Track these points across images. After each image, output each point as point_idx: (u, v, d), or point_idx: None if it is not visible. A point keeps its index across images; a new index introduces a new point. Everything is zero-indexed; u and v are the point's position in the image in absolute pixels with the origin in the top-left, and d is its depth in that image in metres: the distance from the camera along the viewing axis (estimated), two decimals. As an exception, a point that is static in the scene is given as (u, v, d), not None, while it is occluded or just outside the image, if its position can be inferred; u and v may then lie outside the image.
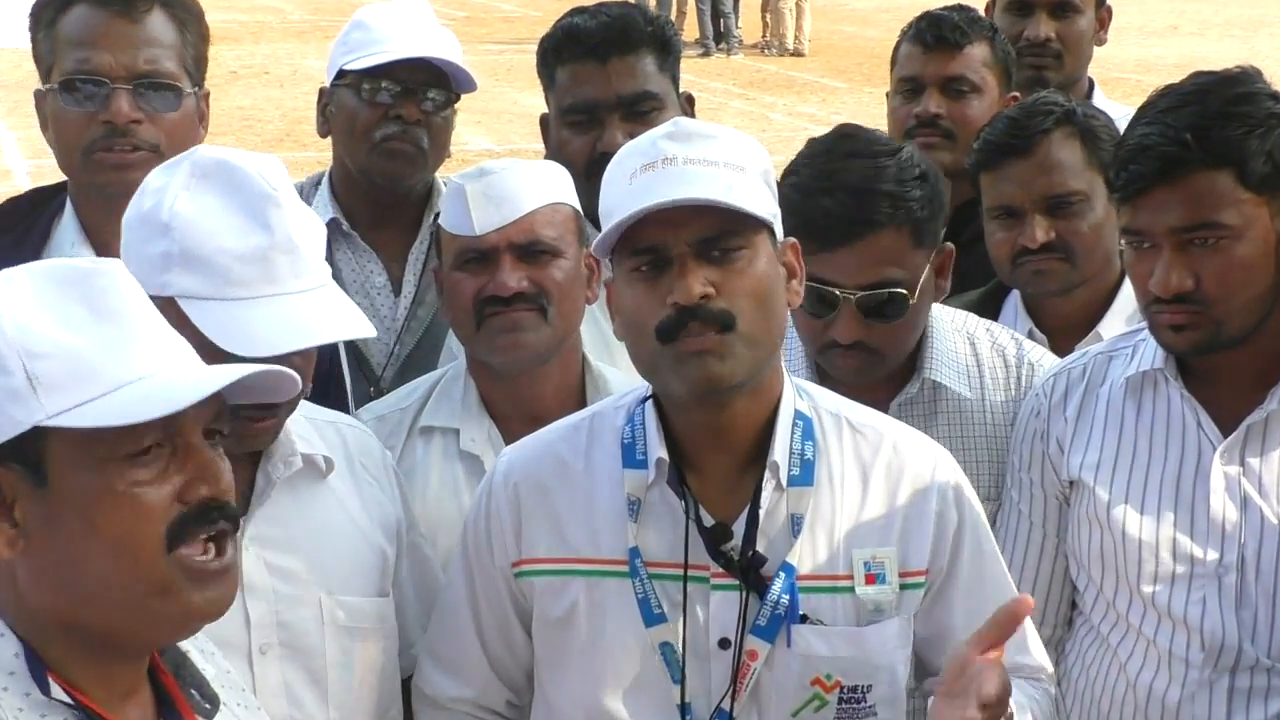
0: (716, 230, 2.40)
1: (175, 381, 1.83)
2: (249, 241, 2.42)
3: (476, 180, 2.98)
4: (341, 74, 3.55)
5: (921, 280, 2.99)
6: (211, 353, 2.33)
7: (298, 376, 1.98)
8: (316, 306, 2.46)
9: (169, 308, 2.37)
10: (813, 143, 3.08)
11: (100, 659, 1.87)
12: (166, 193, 2.46)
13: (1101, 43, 4.60)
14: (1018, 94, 3.99)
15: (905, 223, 2.94)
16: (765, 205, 2.46)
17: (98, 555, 1.81)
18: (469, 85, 3.56)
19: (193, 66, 3.20)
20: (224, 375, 1.85)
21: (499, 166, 3.03)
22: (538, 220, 2.98)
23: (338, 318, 2.48)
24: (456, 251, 3.00)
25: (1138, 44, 22.57)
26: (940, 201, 3.03)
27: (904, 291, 2.95)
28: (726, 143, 2.46)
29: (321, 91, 3.67)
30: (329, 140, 3.71)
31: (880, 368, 3.04)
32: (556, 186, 3.04)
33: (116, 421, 1.78)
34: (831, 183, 2.94)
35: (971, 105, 3.98)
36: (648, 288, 2.42)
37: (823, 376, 3.10)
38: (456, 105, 3.60)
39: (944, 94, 3.99)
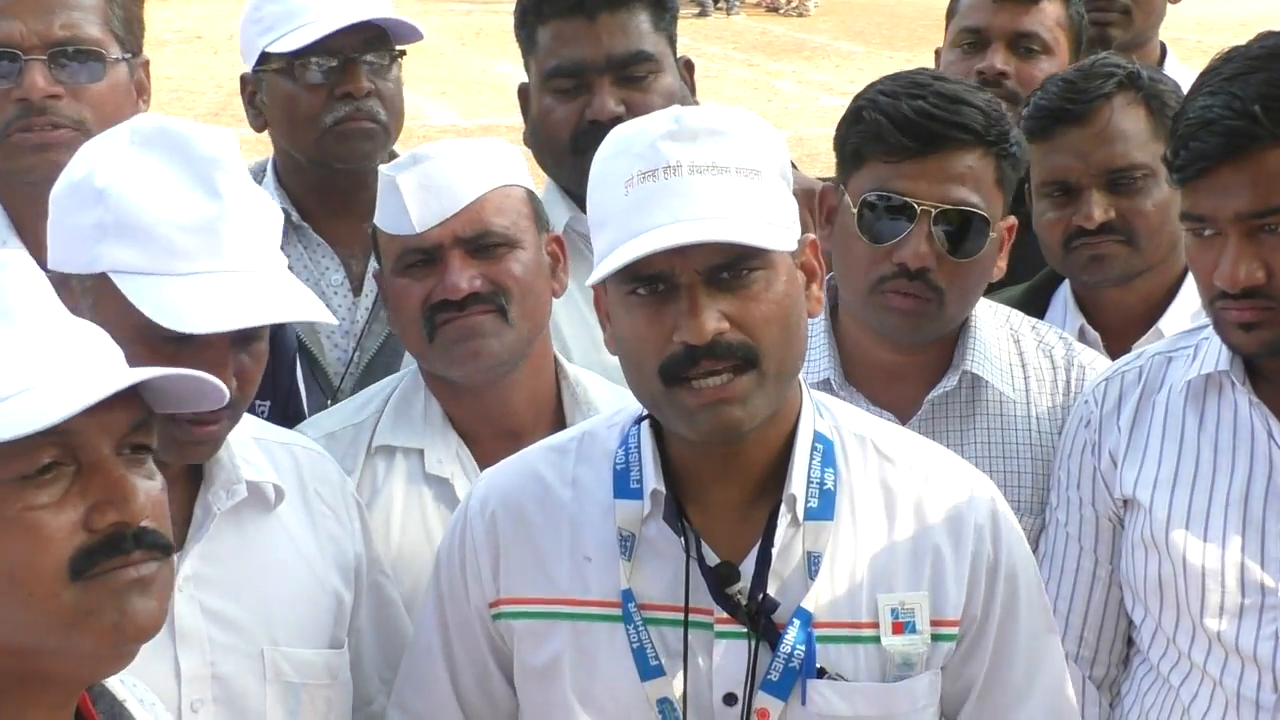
0: (730, 258, 2.35)
1: (63, 390, 1.80)
2: (195, 209, 2.40)
3: (409, 169, 2.94)
4: (265, 57, 3.51)
5: (996, 228, 3.02)
6: (148, 337, 2.32)
7: (221, 385, 1.95)
8: (268, 285, 2.44)
9: (101, 285, 2.38)
10: (887, 74, 3.13)
11: (12, 698, 1.85)
12: (101, 159, 2.45)
13: (1177, 0, 4.59)
14: None
15: (994, 150, 2.99)
16: (784, 214, 2.42)
17: None
18: (412, 35, 3.54)
19: (122, 30, 3.17)
20: (115, 380, 1.82)
21: (434, 151, 2.98)
22: (486, 208, 2.95)
23: (291, 298, 2.46)
24: (397, 254, 2.97)
25: (1198, -1, 22.59)
26: (1023, 156, 3.09)
27: (985, 217, 2.99)
28: (737, 140, 2.39)
29: (244, 81, 3.62)
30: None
31: (935, 319, 3.05)
32: (504, 166, 3.00)
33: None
34: (924, 90, 3.00)
35: (1041, 67, 3.97)
36: (649, 316, 2.38)
37: (851, 378, 3.12)
38: (402, 60, 3.58)
39: (1011, 50, 4.00)
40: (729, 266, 2.36)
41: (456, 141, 3.07)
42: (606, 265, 2.37)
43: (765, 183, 2.40)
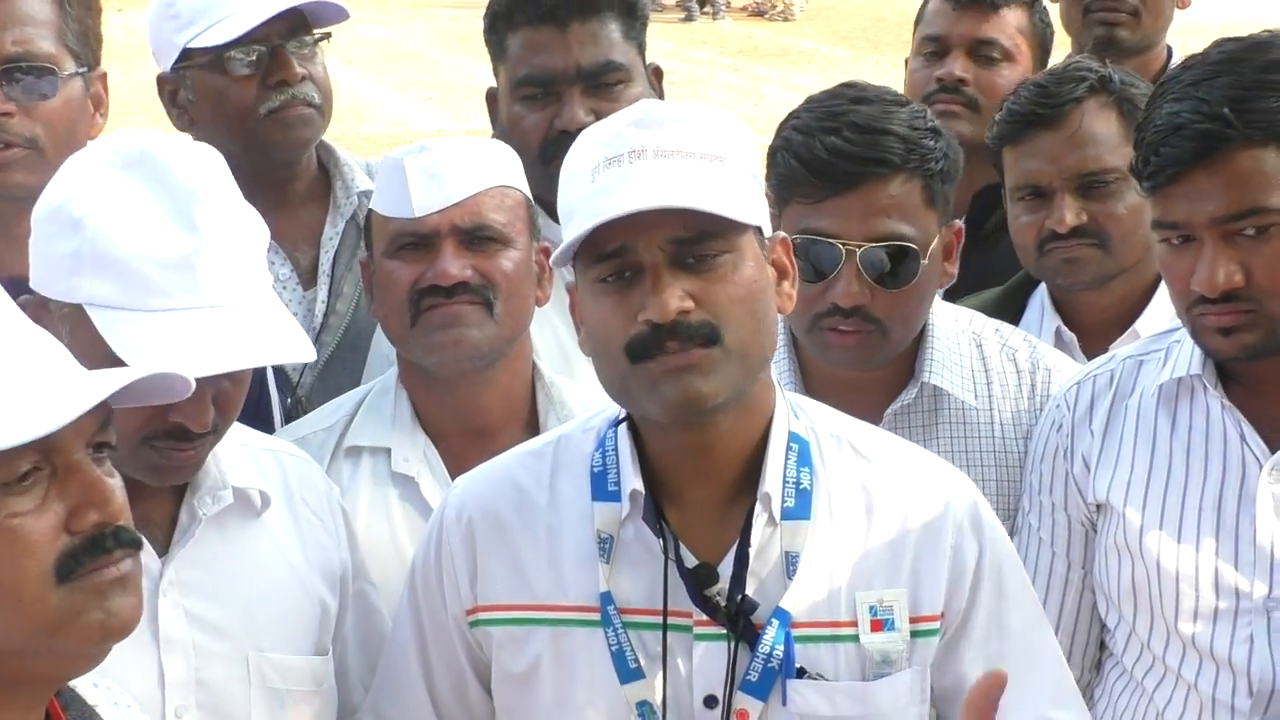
0: (694, 232, 2.37)
1: (48, 396, 1.81)
2: (172, 244, 2.39)
3: (416, 156, 2.98)
4: (186, 54, 3.47)
5: (932, 246, 3.02)
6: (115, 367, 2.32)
7: (190, 379, 1.95)
8: (246, 323, 2.43)
9: (77, 315, 2.38)
10: (812, 95, 3.11)
11: None
12: (81, 185, 2.44)
13: (1185, 5, 4.60)
14: None
15: (918, 173, 2.98)
16: (749, 202, 2.44)
17: None
18: (337, 14, 3.52)
19: (77, 44, 3.15)
20: (104, 385, 1.83)
21: (442, 142, 3.03)
22: (485, 203, 2.99)
23: (270, 337, 2.45)
24: (391, 235, 3.00)
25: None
26: (955, 165, 3.07)
27: (914, 247, 2.98)
28: (703, 128, 2.43)
29: (162, 81, 3.56)
30: None
31: (881, 348, 3.05)
32: (506, 168, 3.05)
33: None
34: (837, 122, 2.98)
35: (1001, 74, 4.03)
36: (616, 300, 2.40)
37: (809, 385, 3.11)
38: (327, 42, 3.55)
39: (971, 58, 4.05)
40: (693, 242, 2.38)
41: (464, 138, 3.12)
42: (569, 239, 2.40)
43: (730, 168, 2.42)
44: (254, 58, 3.44)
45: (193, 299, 2.39)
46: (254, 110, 3.44)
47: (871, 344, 3.03)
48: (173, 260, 2.39)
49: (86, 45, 3.18)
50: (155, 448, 2.43)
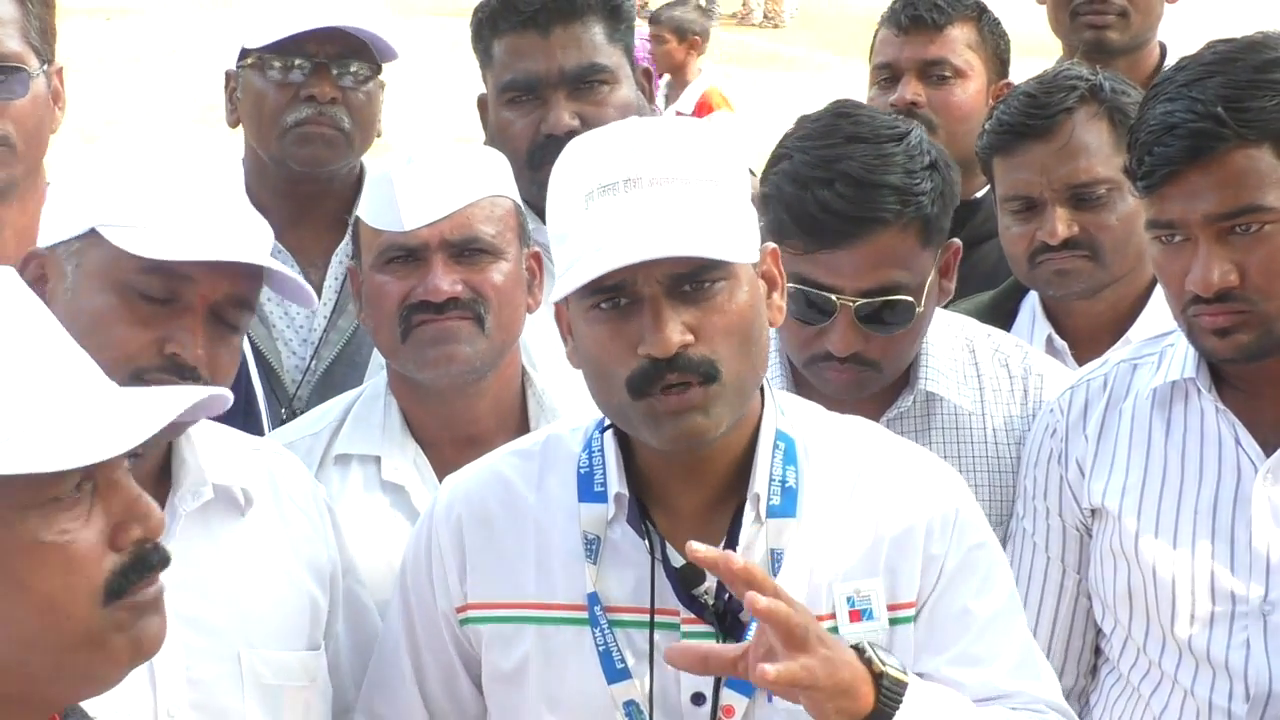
0: (692, 267, 2.36)
1: (101, 417, 1.81)
2: (185, 199, 2.46)
3: (405, 168, 2.97)
4: (245, 53, 3.56)
5: (927, 283, 3.00)
6: (128, 296, 2.42)
7: (227, 393, 1.97)
8: (252, 239, 2.51)
9: (84, 249, 2.45)
10: (805, 121, 3.07)
11: None
12: (105, 157, 2.52)
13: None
14: (1011, 82, 4.02)
15: (913, 220, 2.95)
16: (745, 225, 2.43)
17: (24, 615, 1.78)
18: (387, 53, 3.57)
19: (39, 41, 3.17)
20: (164, 412, 1.83)
21: (431, 152, 3.01)
22: (475, 215, 2.97)
23: (272, 262, 2.53)
24: (380, 249, 2.99)
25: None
26: (952, 193, 3.05)
27: (909, 299, 2.97)
28: (696, 150, 2.41)
29: (228, 76, 3.68)
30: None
31: (875, 382, 3.06)
32: (496, 176, 3.04)
33: (46, 467, 1.75)
34: (830, 172, 2.93)
35: (954, 92, 4.06)
36: (612, 330, 2.40)
37: (799, 385, 3.11)
38: (380, 77, 3.62)
39: (923, 80, 4.07)
40: (691, 277, 2.37)
41: (453, 146, 3.11)
42: (569, 282, 2.38)
43: (725, 192, 2.40)
44: (295, 67, 3.51)
45: (204, 225, 2.46)
46: (281, 118, 3.52)
47: (866, 380, 3.04)
48: (184, 209, 2.45)
49: (46, 41, 3.20)
50: (146, 382, 2.41)
